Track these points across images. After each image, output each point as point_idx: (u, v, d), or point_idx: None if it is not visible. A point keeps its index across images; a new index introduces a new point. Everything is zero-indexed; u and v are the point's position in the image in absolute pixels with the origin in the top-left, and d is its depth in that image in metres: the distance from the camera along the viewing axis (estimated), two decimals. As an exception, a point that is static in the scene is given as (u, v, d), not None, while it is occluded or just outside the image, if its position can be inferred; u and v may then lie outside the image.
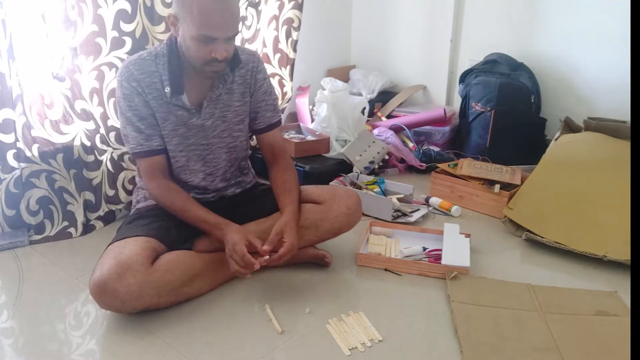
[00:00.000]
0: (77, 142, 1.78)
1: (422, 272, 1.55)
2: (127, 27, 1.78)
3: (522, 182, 1.96)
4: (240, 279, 1.49)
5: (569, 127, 2.26)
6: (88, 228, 1.83)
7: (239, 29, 1.35)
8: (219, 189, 1.56)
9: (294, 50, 2.46)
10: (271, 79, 2.44)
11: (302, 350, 1.23)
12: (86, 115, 1.78)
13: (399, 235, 1.78)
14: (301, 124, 2.54)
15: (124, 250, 1.28)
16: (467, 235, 1.72)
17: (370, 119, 2.71)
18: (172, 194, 1.43)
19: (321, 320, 1.33)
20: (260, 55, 2.37)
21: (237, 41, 2.18)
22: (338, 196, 1.53)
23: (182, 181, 1.51)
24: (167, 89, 1.38)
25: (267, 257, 1.34)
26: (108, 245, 1.35)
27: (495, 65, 2.47)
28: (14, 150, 1.66)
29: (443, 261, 1.56)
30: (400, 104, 2.80)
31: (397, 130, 2.56)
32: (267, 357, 1.20)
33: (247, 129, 1.56)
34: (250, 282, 1.49)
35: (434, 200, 2.04)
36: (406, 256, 1.62)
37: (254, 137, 1.64)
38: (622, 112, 2.23)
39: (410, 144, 2.54)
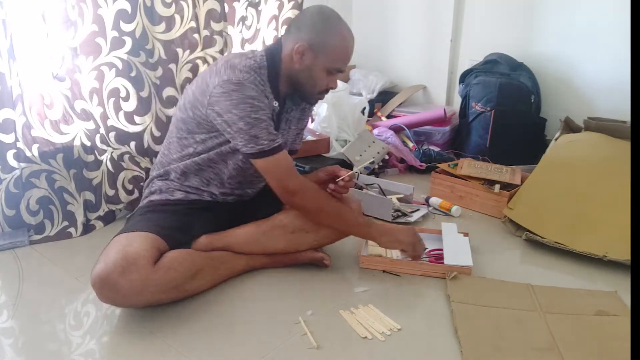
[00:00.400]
0: (77, 142, 1.78)
1: (425, 273, 1.55)
2: (127, 27, 1.78)
3: (522, 182, 1.96)
4: (240, 278, 1.50)
5: (569, 127, 2.26)
6: (88, 228, 1.83)
7: None
8: (244, 195, 1.58)
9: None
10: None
11: (302, 350, 1.23)
12: (86, 115, 1.78)
13: (398, 235, 1.78)
14: (301, 124, 2.54)
15: (132, 243, 1.28)
16: (466, 234, 1.72)
17: (370, 119, 2.71)
18: (323, 196, 1.47)
19: (321, 320, 1.33)
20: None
21: (237, 40, 2.20)
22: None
23: (223, 181, 1.50)
24: (276, 103, 1.43)
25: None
26: (116, 235, 1.35)
27: (495, 65, 2.47)
28: (14, 150, 1.66)
29: (446, 261, 1.56)
30: (400, 104, 2.80)
31: (397, 130, 2.56)
32: (267, 357, 1.20)
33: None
34: (251, 283, 1.49)
35: (434, 200, 2.04)
36: (406, 257, 1.62)
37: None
38: (622, 112, 2.24)
39: (410, 144, 2.54)
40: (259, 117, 1.34)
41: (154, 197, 1.51)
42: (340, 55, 1.40)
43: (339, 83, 2.46)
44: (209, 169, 1.48)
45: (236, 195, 1.55)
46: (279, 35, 2.39)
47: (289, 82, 1.45)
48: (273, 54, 1.42)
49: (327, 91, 1.47)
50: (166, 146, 1.53)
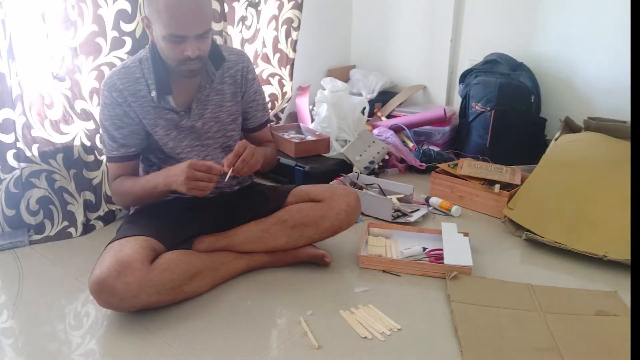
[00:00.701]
0: (77, 142, 1.78)
1: (425, 273, 1.55)
2: (127, 27, 1.78)
3: (522, 182, 1.96)
4: (240, 278, 1.50)
5: (569, 127, 2.26)
6: (88, 228, 1.83)
7: (210, 25, 1.34)
8: (219, 186, 1.56)
9: (294, 50, 2.46)
10: (271, 78, 2.47)
11: (303, 350, 1.23)
12: (86, 115, 1.78)
13: (397, 236, 1.78)
14: (301, 124, 2.55)
15: (124, 248, 1.28)
16: (466, 234, 1.72)
17: (370, 119, 2.71)
18: (122, 181, 1.46)
19: (321, 320, 1.33)
20: (260, 55, 2.38)
21: (237, 40, 2.19)
22: (337, 194, 1.53)
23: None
24: (153, 93, 1.38)
25: (229, 171, 1.33)
26: (108, 244, 1.35)
27: (495, 65, 2.47)
28: (14, 150, 1.66)
29: (446, 261, 1.55)
30: (400, 104, 2.80)
31: (397, 130, 2.56)
32: (267, 357, 1.20)
33: (240, 128, 1.58)
34: (251, 283, 1.49)
35: (434, 200, 2.04)
36: (407, 257, 1.62)
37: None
38: (622, 112, 2.23)
39: (410, 144, 2.54)
40: (106, 125, 1.42)
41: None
42: (170, 20, 1.26)
43: (339, 83, 2.47)
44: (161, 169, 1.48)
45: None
46: (279, 35, 2.40)
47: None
48: (153, 42, 1.38)
49: (189, 60, 1.31)
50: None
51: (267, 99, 2.47)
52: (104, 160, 1.86)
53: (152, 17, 1.30)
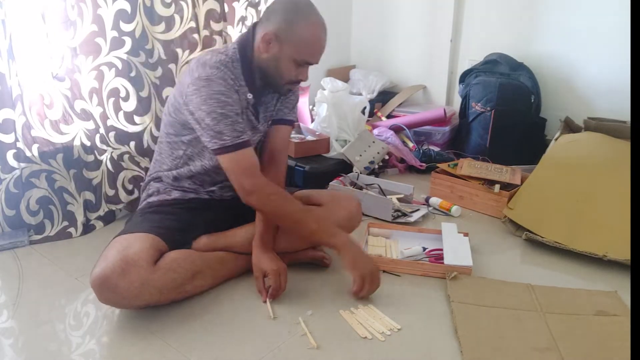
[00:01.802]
0: (77, 142, 1.78)
1: (425, 273, 1.55)
2: (126, 27, 1.78)
3: (522, 182, 1.96)
4: (240, 278, 1.50)
5: (569, 127, 2.26)
6: (88, 228, 1.83)
7: None
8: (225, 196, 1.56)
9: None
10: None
11: (302, 350, 1.23)
12: (86, 115, 1.78)
13: (397, 236, 1.78)
14: (301, 124, 2.54)
15: (132, 245, 1.28)
16: (466, 234, 1.72)
17: (370, 119, 2.71)
18: (288, 198, 1.40)
19: (321, 320, 1.33)
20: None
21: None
22: (338, 200, 1.54)
23: (215, 179, 1.51)
24: (250, 95, 1.41)
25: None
26: (114, 237, 1.35)
27: (495, 65, 2.47)
28: (14, 150, 1.66)
29: (446, 261, 1.55)
30: (400, 104, 2.80)
31: (397, 130, 2.56)
32: (267, 357, 1.20)
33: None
34: (250, 283, 1.49)
35: (434, 200, 2.04)
36: (407, 257, 1.62)
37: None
38: (622, 112, 2.24)
39: (410, 144, 2.54)
40: (224, 112, 1.32)
41: (152, 199, 1.52)
42: (307, 47, 1.35)
43: (339, 83, 2.47)
44: (200, 173, 1.49)
45: (234, 190, 1.55)
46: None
47: (260, 71, 1.42)
48: (244, 45, 1.40)
49: (297, 82, 1.43)
50: (158, 151, 1.54)
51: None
52: (104, 160, 1.86)
53: (287, 38, 1.34)
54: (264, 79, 1.43)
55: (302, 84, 2.66)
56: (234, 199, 1.55)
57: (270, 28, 1.35)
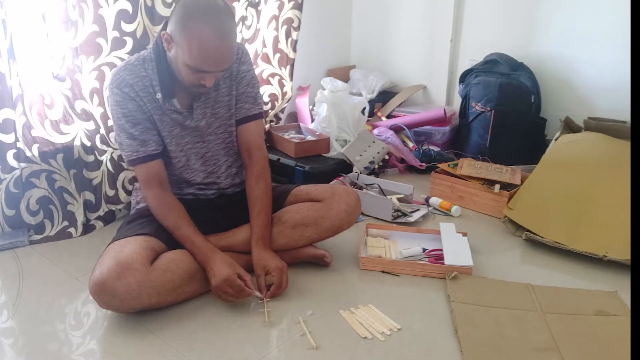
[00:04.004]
0: (77, 142, 1.78)
1: (425, 273, 1.55)
2: (128, 27, 1.78)
3: (522, 182, 1.96)
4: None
5: (569, 127, 2.26)
6: (88, 228, 1.83)
7: (231, 62, 1.35)
8: (223, 187, 1.56)
9: (294, 50, 2.46)
10: (271, 78, 2.46)
11: (302, 350, 1.23)
12: (86, 116, 1.78)
13: (396, 236, 1.78)
14: (301, 124, 2.55)
15: (124, 249, 1.28)
16: (464, 234, 1.72)
17: (370, 119, 2.71)
18: (166, 208, 1.42)
19: (321, 320, 1.33)
20: (260, 54, 2.38)
21: (237, 41, 2.19)
22: (338, 194, 1.53)
23: (185, 180, 1.51)
24: (159, 95, 1.38)
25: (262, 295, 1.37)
26: (108, 245, 1.35)
27: (495, 65, 2.47)
28: (14, 150, 1.66)
29: (446, 261, 1.56)
30: (400, 104, 2.80)
31: (397, 130, 2.56)
32: (267, 357, 1.20)
33: None
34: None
35: (434, 200, 2.04)
36: (406, 257, 1.62)
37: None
38: (622, 112, 2.24)
39: (410, 144, 2.54)
40: (122, 124, 1.38)
41: (140, 206, 1.53)
42: (198, 55, 1.25)
43: (339, 83, 2.47)
44: (171, 169, 1.50)
45: (212, 188, 1.55)
46: (279, 35, 2.40)
47: None
48: (159, 43, 1.37)
49: (202, 87, 1.33)
50: None
51: (267, 99, 2.47)
52: (104, 161, 1.86)
53: (178, 42, 1.27)
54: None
55: (302, 84, 2.69)
56: (221, 197, 1.55)
57: (168, 29, 1.30)
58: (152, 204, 1.43)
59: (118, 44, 1.77)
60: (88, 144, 1.80)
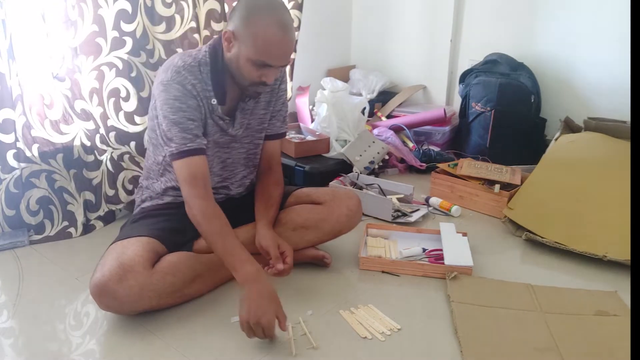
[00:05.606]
0: (77, 142, 1.78)
1: (425, 273, 1.55)
2: (127, 27, 1.78)
3: (522, 182, 1.96)
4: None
5: (569, 127, 2.26)
6: (88, 228, 1.83)
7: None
8: (232, 194, 1.56)
9: (294, 50, 2.46)
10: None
11: (302, 350, 1.23)
12: (86, 115, 1.78)
13: (396, 236, 1.78)
14: (301, 124, 2.54)
15: (127, 250, 1.28)
16: (464, 234, 1.72)
17: (370, 119, 2.71)
18: (212, 215, 1.31)
19: (321, 320, 1.33)
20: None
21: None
22: (339, 197, 1.53)
23: None
24: (214, 101, 1.38)
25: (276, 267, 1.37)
26: (110, 244, 1.35)
27: (495, 65, 2.47)
28: (14, 150, 1.66)
29: (446, 261, 1.55)
30: (400, 104, 2.80)
31: (397, 130, 2.56)
32: (267, 357, 1.20)
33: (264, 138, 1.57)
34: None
35: (434, 200, 2.04)
36: (406, 257, 1.62)
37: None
38: (622, 112, 2.24)
39: (410, 144, 2.54)
40: (176, 118, 1.31)
41: (145, 204, 1.52)
42: (263, 47, 1.25)
43: (339, 83, 2.47)
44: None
45: (222, 193, 1.55)
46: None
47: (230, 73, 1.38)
48: (216, 48, 1.37)
49: (263, 84, 1.33)
50: (146, 157, 1.55)
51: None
52: (104, 160, 1.86)
53: (242, 38, 1.27)
54: (233, 81, 1.38)
55: (302, 84, 2.69)
56: (228, 201, 1.55)
57: (230, 27, 1.30)
58: (197, 203, 1.30)
59: (118, 44, 1.77)
60: (88, 143, 1.80)
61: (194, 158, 1.32)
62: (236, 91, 1.41)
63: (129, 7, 1.75)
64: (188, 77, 1.34)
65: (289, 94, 2.53)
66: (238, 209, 1.54)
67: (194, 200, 1.30)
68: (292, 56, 1.35)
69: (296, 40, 2.44)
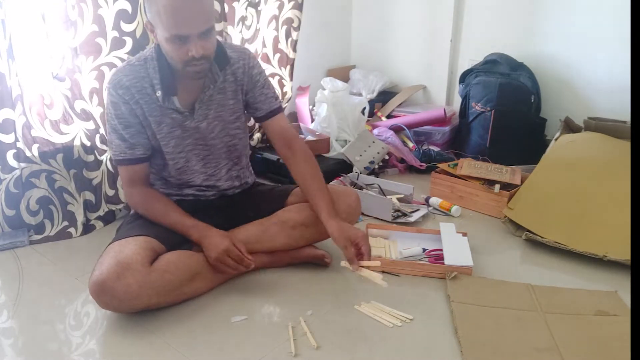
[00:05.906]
0: (77, 142, 1.78)
1: (425, 273, 1.55)
2: (127, 27, 1.78)
3: (522, 182, 1.96)
4: (240, 278, 1.50)
5: (569, 127, 2.26)
6: (88, 228, 1.83)
7: (213, 23, 1.31)
8: (222, 189, 1.56)
9: (294, 50, 2.46)
10: (271, 79, 2.46)
11: (302, 350, 1.23)
12: (86, 115, 1.78)
13: (396, 236, 1.78)
14: (301, 124, 2.55)
15: (124, 249, 1.28)
16: (464, 234, 1.72)
17: (370, 119, 2.71)
18: (151, 199, 1.45)
19: (321, 320, 1.33)
20: (259, 55, 2.38)
21: (237, 41, 2.19)
22: (338, 195, 1.53)
23: (184, 182, 1.51)
24: (159, 93, 1.37)
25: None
26: (108, 245, 1.35)
27: (495, 65, 2.47)
28: (14, 150, 1.66)
29: (446, 261, 1.55)
30: (400, 104, 2.80)
31: (397, 130, 2.56)
32: (267, 357, 1.20)
33: (244, 126, 1.56)
34: (250, 283, 1.49)
35: (434, 201, 2.04)
36: (406, 257, 1.62)
37: (261, 132, 1.61)
38: (622, 112, 2.24)
39: (410, 144, 2.54)
40: (115, 124, 1.39)
41: None
42: (168, 20, 1.23)
43: (339, 83, 2.48)
44: (163, 175, 1.51)
45: (212, 190, 1.55)
46: (279, 35, 2.40)
47: None
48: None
49: (194, 61, 1.29)
50: None
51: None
52: (104, 160, 1.86)
53: (153, 21, 1.28)
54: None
55: (302, 84, 2.69)
56: (222, 199, 1.55)
57: (147, 17, 1.32)
58: (136, 199, 1.45)
59: (117, 43, 1.77)
60: (88, 143, 1.80)
61: (130, 167, 1.43)
62: (192, 83, 1.40)
63: (129, 7, 1.75)
64: (123, 79, 1.37)
65: (289, 93, 2.53)
66: (233, 208, 1.55)
67: (133, 197, 1.46)
68: (208, 23, 1.26)
69: (296, 40, 2.44)
